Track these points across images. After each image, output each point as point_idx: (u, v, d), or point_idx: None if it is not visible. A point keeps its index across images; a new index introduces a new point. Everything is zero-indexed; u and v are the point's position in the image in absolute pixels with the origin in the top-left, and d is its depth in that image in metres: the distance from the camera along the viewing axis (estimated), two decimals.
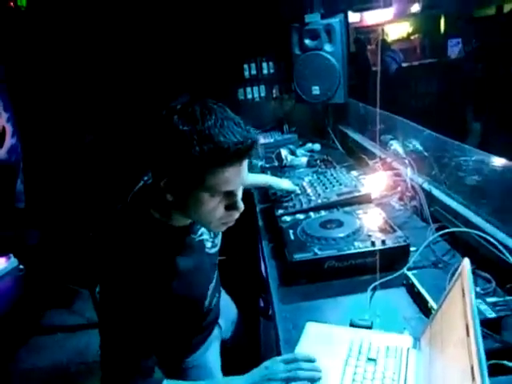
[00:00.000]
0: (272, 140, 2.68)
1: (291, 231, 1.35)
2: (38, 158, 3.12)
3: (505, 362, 0.78)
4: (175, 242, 0.96)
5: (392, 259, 1.17)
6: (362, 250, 1.18)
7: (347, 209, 1.49)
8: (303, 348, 0.93)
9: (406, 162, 1.66)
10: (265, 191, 1.80)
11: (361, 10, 3.64)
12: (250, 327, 1.69)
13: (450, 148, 1.45)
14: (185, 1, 2.83)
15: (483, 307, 0.91)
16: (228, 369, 1.33)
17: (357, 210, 1.45)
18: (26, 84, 3.00)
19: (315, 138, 2.72)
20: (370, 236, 1.24)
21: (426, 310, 1.00)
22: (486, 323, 0.86)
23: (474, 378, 0.56)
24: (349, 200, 1.53)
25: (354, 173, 1.86)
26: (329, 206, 1.52)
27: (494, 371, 0.74)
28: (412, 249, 1.21)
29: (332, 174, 1.76)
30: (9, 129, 3.03)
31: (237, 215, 0.93)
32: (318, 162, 2.08)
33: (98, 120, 3.10)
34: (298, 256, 1.18)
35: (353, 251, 1.18)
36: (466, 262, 0.70)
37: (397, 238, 1.21)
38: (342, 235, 1.26)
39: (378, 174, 1.82)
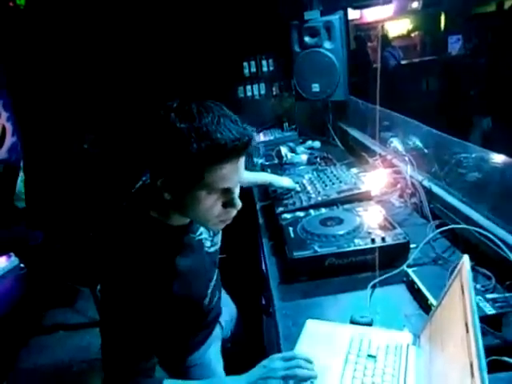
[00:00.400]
0: (272, 138, 2.68)
1: (291, 229, 1.35)
2: (39, 157, 3.12)
3: (504, 359, 0.78)
4: (174, 242, 0.96)
5: (392, 256, 1.17)
6: (362, 248, 1.18)
7: (347, 206, 1.49)
8: (303, 345, 0.93)
9: (406, 159, 1.66)
10: (265, 189, 1.80)
11: (360, 7, 3.62)
12: (252, 325, 1.69)
13: (450, 145, 1.45)
14: None
15: (483, 304, 0.91)
16: (229, 367, 1.33)
17: (357, 208, 1.45)
18: (25, 83, 3.00)
19: (315, 135, 2.71)
20: (369, 233, 1.24)
21: (425, 307, 1.00)
22: (485, 320, 0.86)
23: (473, 375, 0.56)
24: (349, 197, 1.53)
25: (354, 170, 1.86)
26: (329, 204, 1.52)
27: (493, 367, 0.74)
28: (412, 246, 1.21)
29: (332, 172, 1.76)
30: (9, 128, 3.02)
31: (234, 213, 0.93)
32: (318, 159, 2.07)
33: (98, 119, 3.10)
34: (298, 253, 1.19)
35: (353, 248, 1.18)
36: (466, 258, 0.70)
37: (397, 235, 1.21)
38: (341, 232, 1.26)
39: (378, 171, 1.82)
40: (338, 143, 2.53)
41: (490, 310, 0.89)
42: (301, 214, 1.47)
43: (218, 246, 1.17)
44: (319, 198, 1.54)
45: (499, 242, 1.05)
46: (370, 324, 0.98)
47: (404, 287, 1.11)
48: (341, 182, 1.64)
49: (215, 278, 1.17)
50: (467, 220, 1.24)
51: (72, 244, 2.84)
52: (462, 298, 0.67)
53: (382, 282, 1.12)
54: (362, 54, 3.98)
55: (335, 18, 2.24)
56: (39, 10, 2.87)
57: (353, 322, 0.99)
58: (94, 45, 2.93)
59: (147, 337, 0.91)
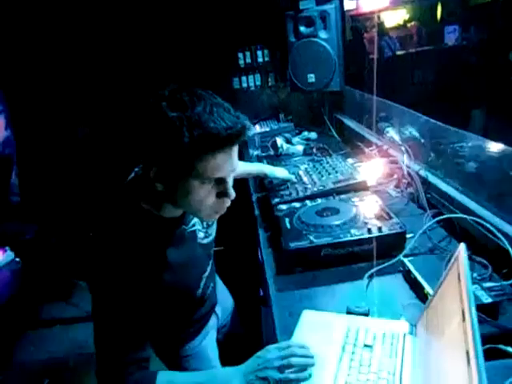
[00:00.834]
0: (268, 129, 2.66)
1: (287, 219, 1.34)
2: (32, 151, 3.09)
3: (500, 346, 0.78)
4: (165, 234, 0.95)
5: (388, 246, 1.17)
6: (359, 238, 1.17)
7: (343, 196, 1.48)
8: (300, 336, 0.93)
9: (403, 149, 1.65)
10: (260, 180, 1.78)
11: None
12: (250, 316, 1.69)
13: (446, 134, 1.44)
14: None
15: (479, 292, 0.91)
16: (226, 359, 1.33)
17: (353, 198, 1.44)
18: (18, 76, 2.96)
19: (311, 126, 2.70)
20: (366, 223, 1.23)
21: (422, 296, 1.00)
22: (482, 308, 0.86)
23: (469, 363, 0.55)
24: (345, 188, 1.52)
25: (350, 160, 1.85)
26: (325, 194, 1.51)
27: (489, 355, 0.74)
28: (408, 235, 1.21)
29: (328, 162, 1.75)
30: (2, 121, 2.99)
31: (228, 203, 0.92)
32: (314, 150, 2.07)
33: (92, 112, 3.07)
34: (294, 244, 1.18)
35: (349, 239, 1.18)
36: (462, 246, 0.70)
37: (393, 225, 1.20)
38: (338, 223, 1.25)
39: (374, 161, 1.81)
40: (334, 134, 2.52)
41: (486, 299, 0.89)
42: (297, 204, 1.47)
43: (212, 238, 1.16)
44: (315, 189, 1.54)
45: (496, 231, 1.05)
46: (366, 314, 0.98)
47: (400, 277, 1.11)
48: (337, 172, 1.63)
49: (209, 269, 1.16)
50: (464, 209, 1.24)
51: (67, 237, 2.83)
52: (459, 286, 0.66)
53: (379, 271, 1.12)
54: (358, 44, 3.95)
55: (331, 7, 2.22)
56: (29, 3, 2.82)
57: (349, 312, 0.98)
58: (86, 36, 2.88)
59: (139, 327, 0.90)
